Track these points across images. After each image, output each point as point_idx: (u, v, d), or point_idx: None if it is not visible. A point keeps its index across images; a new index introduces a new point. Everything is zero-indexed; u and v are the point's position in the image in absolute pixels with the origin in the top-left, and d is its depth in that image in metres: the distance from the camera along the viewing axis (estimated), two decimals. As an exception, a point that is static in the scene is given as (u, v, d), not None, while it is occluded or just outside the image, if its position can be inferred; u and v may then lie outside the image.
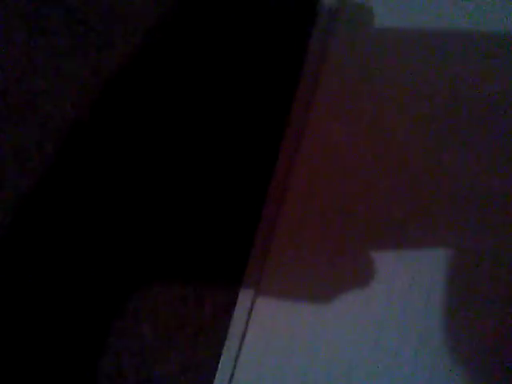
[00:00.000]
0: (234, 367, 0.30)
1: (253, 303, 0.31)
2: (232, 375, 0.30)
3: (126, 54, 0.33)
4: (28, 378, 0.30)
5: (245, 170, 0.32)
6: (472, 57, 0.33)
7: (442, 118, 0.32)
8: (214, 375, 0.30)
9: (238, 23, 0.34)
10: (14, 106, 0.32)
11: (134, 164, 0.32)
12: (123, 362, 0.31)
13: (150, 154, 0.32)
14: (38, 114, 0.32)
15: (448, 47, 0.33)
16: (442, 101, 0.32)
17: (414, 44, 0.33)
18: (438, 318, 0.30)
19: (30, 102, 0.32)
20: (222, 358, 0.31)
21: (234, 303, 0.31)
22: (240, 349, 0.30)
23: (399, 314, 0.30)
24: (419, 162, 0.32)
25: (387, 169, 0.32)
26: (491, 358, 0.29)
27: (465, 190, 0.31)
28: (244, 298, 0.31)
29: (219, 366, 0.30)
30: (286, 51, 0.34)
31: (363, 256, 0.31)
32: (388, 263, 0.31)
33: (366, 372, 0.29)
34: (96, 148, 0.32)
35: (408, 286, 0.30)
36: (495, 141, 0.32)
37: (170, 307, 0.31)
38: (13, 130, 0.32)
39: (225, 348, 0.31)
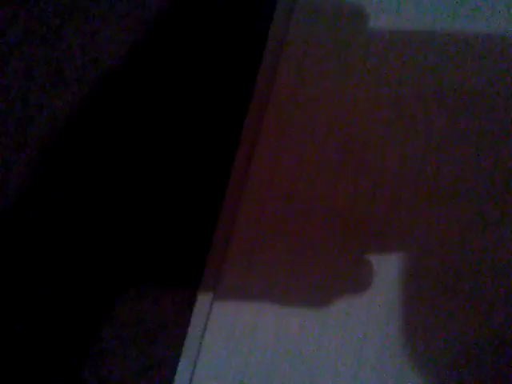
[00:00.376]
0: (195, 366, 0.30)
1: (212, 301, 0.30)
2: (192, 374, 0.30)
3: (78, 48, 0.32)
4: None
5: (204, 166, 0.32)
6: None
7: (398, 104, 0.32)
8: (175, 374, 0.30)
9: (196, 16, 0.33)
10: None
11: (87, 163, 0.32)
12: (81, 364, 0.30)
13: (101, 154, 0.32)
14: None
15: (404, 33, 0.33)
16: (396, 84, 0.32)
17: (374, 32, 0.33)
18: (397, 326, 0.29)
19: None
20: (182, 356, 0.30)
21: (194, 301, 0.31)
22: (200, 347, 0.30)
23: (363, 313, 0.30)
24: (376, 153, 0.31)
25: (346, 161, 0.31)
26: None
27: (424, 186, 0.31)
28: (203, 295, 0.31)
29: (179, 364, 0.30)
30: (246, 38, 0.33)
31: (324, 252, 0.30)
32: (345, 259, 0.30)
33: (330, 374, 0.29)
34: (80, 142, 0.32)
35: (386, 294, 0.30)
36: (470, 136, 0.31)
37: (127, 306, 0.31)
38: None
39: (185, 346, 0.30)
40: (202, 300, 0.31)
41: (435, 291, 0.29)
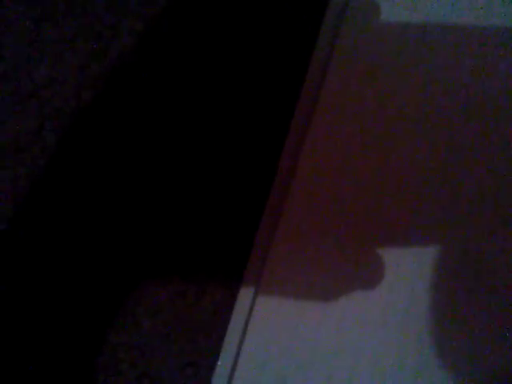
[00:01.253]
0: (234, 364, 0.30)
1: (254, 299, 0.31)
2: (232, 372, 0.30)
3: (131, 45, 0.32)
4: (26, 374, 0.30)
5: (248, 167, 0.32)
6: (485, 53, 0.33)
7: (450, 116, 0.32)
8: (213, 372, 0.30)
9: (245, 20, 0.34)
10: (15, 94, 0.31)
11: (136, 159, 0.32)
12: (120, 357, 0.30)
13: (154, 150, 0.32)
14: (39, 102, 0.31)
15: (459, 43, 0.33)
16: (450, 98, 0.33)
17: (422, 40, 0.33)
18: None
19: (31, 90, 0.31)
20: (222, 354, 0.30)
21: (235, 299, 0.31)
22: (240, 345, 0.30)
23: (402, 312, 0.30)
24: (421, 163, 0.32)
25: (389, 168, 0.32)
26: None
27: (468, 191, 0.31)
28: (244, 293, 0.31)
29: (218, 362, 0.30)
30: (293, 48, 0.33)
31: (367, 254, 0.31)
32: (392, 261, 0.31)
33: (370, 372, 0.29)
34: (97, 141, 0.32)
35: (411, 285, 0.30)
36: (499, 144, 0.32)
37: (169, 302, 0.31)
38: (14, 118, 0.31)
39: (224, 344, 0.30)
40: (243, 298, 0.31)
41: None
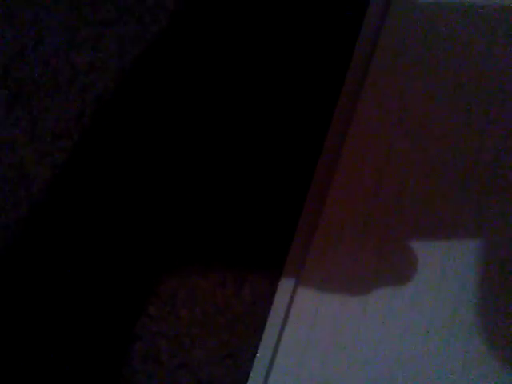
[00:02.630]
0: (273, 356, 0.30)
1: (294, 292, 0.30)
2: (271, 364, 0.29)
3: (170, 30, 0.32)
4: (67, 359, 0.30)
5: (291, 158, 0.31)
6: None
7: (499, 109, 0.31)
8: (252, 364, 0.30)
9: (282, 16, 0.33)
10: (55, 80, 0.31)
11: (181, 147, 0.31)
12: (160, 347, 0.30)
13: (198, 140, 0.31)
14: (79, 88, 0.31)
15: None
16: (502, 94, 0.31)
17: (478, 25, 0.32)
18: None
19: (71, 76, 0.31)
20: (261, 346, 0.30)
21: (274, 291, 0.30)
22: (279, 338, 0.30)
23: (449, 306, 0.29)
24: (467, 157, 0.31)
25: (433, 164, 0.31)
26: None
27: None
28: (285, 285, 0.30)
29: (257, 354, 0.30)
30: (335, 41, 0.32)
31: (408, 249, 0.30)
32: (435, 257, 0.30)
33: (413, 370, 0.29)
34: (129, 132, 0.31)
35: (456, 278, 0.29)
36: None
37: (208, 292, 0.30)
38: (54, 104, 0.31)
39: (264, 336, 0.30)
40: (283, 290, 0.30)
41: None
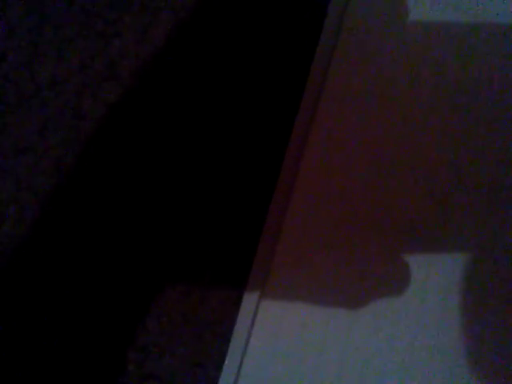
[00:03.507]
0: (241, 364, 0.30)
1: (259, 300, 0.30)
2: (238, 372, 0.30)
3: (134, 44, 0.32)
4: (33, 376, 0.30)
5: (251, 168, 0.32)
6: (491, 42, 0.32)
7: (460, 106, 0.31)
8: (220, 372, 0.30)
9: (248, 16, 0.33)
10: (18, 95, 0.31)
11: (137, 162, 0.32)
12: (127, 358, 0.30)
13: (152, 153, 0.32)
14: (42, 102, 0.31)
15: (465, 31, 0.32)
16: (460, 88, 0.32)
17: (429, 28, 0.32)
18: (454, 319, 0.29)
19: (34, 91, 0.31)
20: (228, 354, 0.30)
21: (241, 298, 0.30)
22: (246, 345, 0.30)
23: (413, 315, 0.29)
24: (434, 156, 0.31)
25: (397, 166, 0.31)
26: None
27: (484, 186, 0.30)
28: (250, 293, 0.30)
29: (225, 362, 0.30)
30: (296, 46, 0.33)
31: (376, 254, 0.30)
32: (398, 261, 0.30)
33: (378, 375, 0.29)
34: (101, 140, 0.32)
35: (421, 287, 0.30)
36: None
37: (174, 302, 0.31)
38: (16, 119, 0.31)
39: (231, 344, 0.30)
40: (249, 299, 0.30)
41: (495, 299, 0.29)
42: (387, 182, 0.31)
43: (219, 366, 0.30)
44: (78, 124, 0.31)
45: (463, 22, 0.32)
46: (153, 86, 0.32)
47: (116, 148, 0.31)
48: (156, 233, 0.31)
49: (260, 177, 0.31)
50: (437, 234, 0.30)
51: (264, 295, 0.30)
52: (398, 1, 0.33)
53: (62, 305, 0.30)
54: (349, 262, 0.30)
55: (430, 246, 0.30)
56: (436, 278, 0.29)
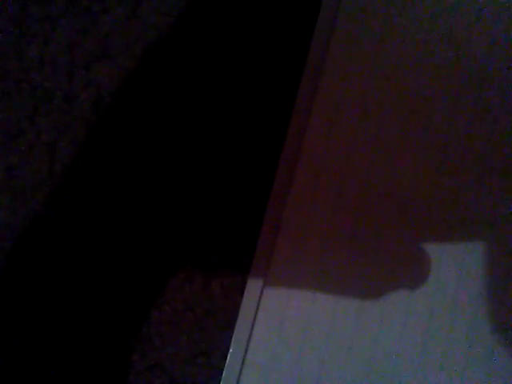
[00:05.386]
0: (245, 353, 0.29)
1: (263, 287, 0.29)
2: (243, 361, 0.29)
3: (124, 20, 0.30)
4: (37, 367, 0.29)
5: (251, 158, 0.30)
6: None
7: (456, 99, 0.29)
8: (225, 360, 0.29)
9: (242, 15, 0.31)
10: (6, 78, 0.30)
11: (135, 146, 0.30)
12: (130, 348, 0.29)
13: (155, 137, 0.30)
14: (31, 85, 0.30)
15: (467, 23, 0.30)
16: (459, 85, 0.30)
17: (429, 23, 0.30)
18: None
19: (22, 73, 0.30)
20: (233, 342, 0.29)
21: (244, 284, 0.29)
22: (251, 333, 0.29)
23: (426, 301, 0.28)
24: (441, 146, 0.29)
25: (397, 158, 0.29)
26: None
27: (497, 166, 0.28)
28: (254, 280, 0.29)
29: (230, 350, 0.29)
30: (290, 41, 0.31)
31: (380, 241, 0.29)
32: (403, 249, 0.29)
33: (386, 362, 0.28)
34: (93, 124, 0.30)
35: (434, 272, 0.28)
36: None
37: (176, 290, 0.30)
38: (5, 103, 0.30)
39: (235, 332, 0.29)
40: (252, 285, 0.29)
41: (503, 286, 0.27)
42: (394, 164, 0.29)
43: (224, 355, 0.29)
44: (69, 107, 0.30)
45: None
46: (147, 65, 0.30)
47: (111, 131, 0.30)
48: (158, 220, 0.30)
49: (262, 162, 0.30)
50: (448, 218, 0.28)
51: (268, 282, 0.29)
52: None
53: (64, 296, 0.29)
54: (355, 248, 0.28)
55: (441, 230, 0.28)
56: (449, 264, 0.28)
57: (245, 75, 0.30)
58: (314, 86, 0.30)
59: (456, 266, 0.28)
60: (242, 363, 0.29)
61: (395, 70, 0.30)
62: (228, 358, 0.29)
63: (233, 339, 0.29)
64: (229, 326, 0.29)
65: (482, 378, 0.27)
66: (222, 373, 0.29)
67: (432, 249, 0.28)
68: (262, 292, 0.29)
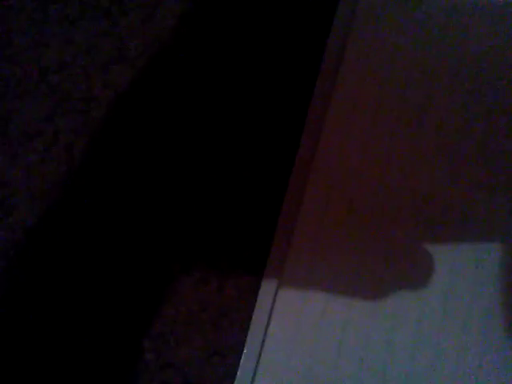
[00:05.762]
0: (260, 353, 0.29)
1: (277, 287, 0.29)
2: (258, 361, 0.29)
3: (141, 22, 0.31)
4: (50, 365, 0.29)
5: (267, 158, 0.30)
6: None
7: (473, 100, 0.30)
8: (239, 360, 0.29)
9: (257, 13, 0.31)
10: (25, 79, 0.30)
11: (151, 146, 0.30)
12: (144, 347, 0.30)
13: (171, 137, 0.31)
14: (49, 87, 0.30)
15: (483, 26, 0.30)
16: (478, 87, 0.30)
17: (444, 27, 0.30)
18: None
19: (41, 75, 0.30)
20: (248, 342, 0.29)
21: (259, 285, 0.29)
22: (266, 333, 0.29)
23: (439, 302, 0.28)
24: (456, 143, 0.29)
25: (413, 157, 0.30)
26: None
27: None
28: (269, 280, 0.29)
29: (244, 351, 0.29)
30: (306, 41, 0.31)
31: (393, 242, 0.29)
32: (416, 250, 0.29)
33: (401, 363, 0.28)
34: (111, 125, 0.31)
35: (448, 274, 0.28)
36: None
37: (191, 290, 0.30)
38: (22, 103, 0.30)
39: (250, 332, 0.29)
40: (267, 286, 0.29)
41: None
42: (408, 164, 0.29)
43: (238, 355, 0.29)
44: (87, 108, 0.30)
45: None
46: (163, 67, 0.30)
47: (128, 132, 0.30)
48: (173, 220, 0.30)
49: (276, 163, 0.30)
50: (462, 220, 0.28)
51: (282, 282, 0.29)
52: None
53: (80, 295, 0.30)
54: (369, 250, 0.29)
55: (455, 231, 0.28)
56: (464, 264, 0.28)
57: (261, 75, 0.31)
58: (330, 87, 0.30)
59: (471, 267, 0.28)
60: (257, 363, 0.29)
61: (410, 70, 0.30)
62: (242, 358, 0.29)
63: (247, 340, 0.29)
64: (243, 326, 0.29)
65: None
66: (236, 373, 0.29)
67: (446, 250, 0.28)
68: (276, 293, 0.29)
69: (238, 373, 0.29)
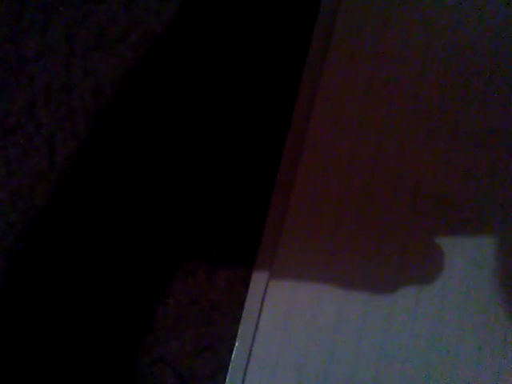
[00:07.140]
0: (251, 347, 0.28)
1: (268, 279, 0.28)
2: (249, 355, 0.28)
3: (123, 5, 0.30)
4: (42, 365, 0.29)
5: (255, 149, 0.29)
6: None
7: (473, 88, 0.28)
8: (231, 354, 0.28)
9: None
10: (2, 70, 0.29)
11: (138, 139, 0.30)
12: (134, 342, 0.29)
13: (157, 129, 0.30)
14: (28, 77, 0.29)
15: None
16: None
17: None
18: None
19: (20, 65, 0.29)
20: (239, 336, 0.29)
21: (250, 277, 0.29)
22: (257, 325, 0.28)
23: (436, 297, 0.27)
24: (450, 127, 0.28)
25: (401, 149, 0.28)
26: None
27: None
28: (259, 272, 0.29)
29: (236, 344, 0.28)
30: (291, 35, 0.30)
31: (389, 233, 0.28)
32: (413, 241, 0.28)
33: (395, 355, 0.27)
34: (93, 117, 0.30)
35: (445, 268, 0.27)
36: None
37: (180, 283, 0.29)
38: (2, 96, 0.29)
39: (241, 325, 0.29)
40: (258, 278, 0.29)
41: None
42: (404, 150, 0.28)
43: (229, 349, 0.29)
44: (68, 98, 0.29)
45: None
46: (146, 52, 0.29)
47: (111, 121, 0.29)
48: (161, 212, 0.29)
49: (266, 152, 0.29)
50: (462, 210, 0.27)
51: (273, 274, 0.28)
52: None
53: (65, 291, 0.29)
54: (363, 240, 0.28)
55: (454, 223, 0.27)
56: (462, 258, 0.27)
57: (246, 64, 0.30)
58: (318, 71, 0.29)
59: (469, 261, 0.27)
60: (249, 357, 0.28)
61: (402, 51, 0.29)
62: (234, 351, 0.28)
63: (239, 333, 0.29)
64: (234, 319, 0.29)
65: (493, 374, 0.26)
66: (228, 367, 0.28)
67: (445, 242, 0.27)
68: (267, 285, 0.28)
69: (230, 366, 0.28)
